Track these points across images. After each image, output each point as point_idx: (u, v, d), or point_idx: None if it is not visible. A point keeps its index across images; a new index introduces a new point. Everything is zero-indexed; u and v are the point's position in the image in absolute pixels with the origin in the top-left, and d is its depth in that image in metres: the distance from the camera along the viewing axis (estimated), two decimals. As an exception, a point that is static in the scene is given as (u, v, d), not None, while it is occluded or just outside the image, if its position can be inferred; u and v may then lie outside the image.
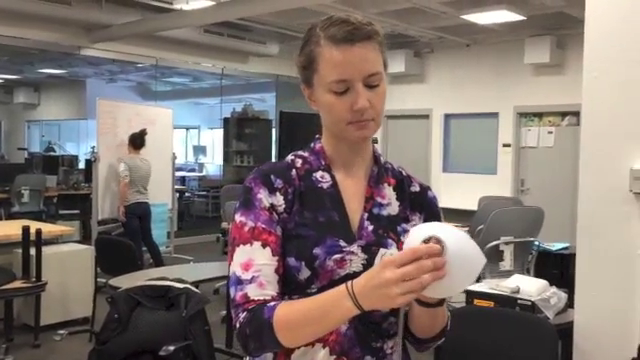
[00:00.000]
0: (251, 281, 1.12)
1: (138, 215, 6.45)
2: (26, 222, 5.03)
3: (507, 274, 3.65)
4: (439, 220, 1.29)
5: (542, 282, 3.04)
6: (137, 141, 6.50)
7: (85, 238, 7.96)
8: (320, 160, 1.25)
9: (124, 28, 7.65)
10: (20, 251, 4.66)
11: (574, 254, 3.00)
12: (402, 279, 0.97)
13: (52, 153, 12.32)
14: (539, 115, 8.47)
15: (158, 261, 6.53)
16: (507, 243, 4.11)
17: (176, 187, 9.38)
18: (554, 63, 7.92)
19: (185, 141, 16.60)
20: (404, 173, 1.32)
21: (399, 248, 1.20)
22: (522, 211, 5.21)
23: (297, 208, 1.19)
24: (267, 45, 9.12)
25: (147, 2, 7.29)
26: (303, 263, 1.16)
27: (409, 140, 9.69)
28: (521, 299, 2.86)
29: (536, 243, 4.49)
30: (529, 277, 3.59)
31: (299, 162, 1.25)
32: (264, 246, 1.15)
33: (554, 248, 4.94)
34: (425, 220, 1.28)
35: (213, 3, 6.89)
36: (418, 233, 1.04)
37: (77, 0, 7.18)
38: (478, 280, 3.97)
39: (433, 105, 9.35)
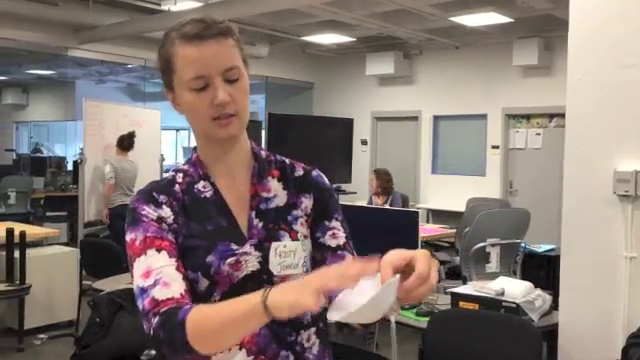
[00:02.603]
0: (155, 284, 1.09)
1: (124, 217, 6.39)
2: (10, 224, 4.98)
3: (493, 276, 3.65)
4: (329, 196, 1.28)
5: (527, 284, 3.04)
6: (125, 142, 6.45)
7: (73, 240, 7.88)
8: (198, 170, 1.24)
9: (112, 29, 7.60)
10: (4, 254, 4.61)
11: (560, 256, 3.01)
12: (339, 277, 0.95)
13: (39, 154, 12.24)
14: (527, 117, 8.49)
15: (145, 263, 6.48)
16: (493, 245, 4.11)
17: (165, 189, 9.31)
18: (542, 65, 7.95)
19: (175, 142, 16.53)
20: (287, 162, 1.31)
21: (292, 237, 1.21)
22: (508, 213, 5.21)
23: (184, 221, 1.19)
24: (256, 46, 9.08)
25: (135, 3, 7.25)
26: (200, 273, 1.15)
27: (398, 142, 9.68)
28: (506, 301, 2.86)
29: (522, 245, 4.49)
30: (514, 279, 3.59)
31: (180, 177, 1.24)
32: (159, 251, 1.13)
33: (540, 250, 4.95)
34: (315, 199, 1.27)
35: (201, 4, 6.86)
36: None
37: (64, 0, 7.13)
38: (464, 282, 3.97)
39: (422, 107, 9.35)
